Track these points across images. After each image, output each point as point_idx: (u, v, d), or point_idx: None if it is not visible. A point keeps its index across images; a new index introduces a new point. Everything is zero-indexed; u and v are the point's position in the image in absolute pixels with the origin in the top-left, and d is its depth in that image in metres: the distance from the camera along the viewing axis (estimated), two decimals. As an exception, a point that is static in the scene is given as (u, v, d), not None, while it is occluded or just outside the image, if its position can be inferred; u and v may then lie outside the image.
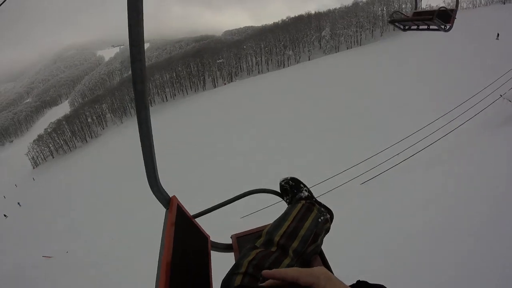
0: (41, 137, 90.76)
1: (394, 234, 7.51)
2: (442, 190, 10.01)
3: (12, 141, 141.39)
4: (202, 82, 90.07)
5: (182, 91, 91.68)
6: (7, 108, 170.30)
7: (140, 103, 1.13)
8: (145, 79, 1.08)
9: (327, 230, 1.59)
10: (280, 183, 1.86)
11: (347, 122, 34.64)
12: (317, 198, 1.76)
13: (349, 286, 0.67)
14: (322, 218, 1.52)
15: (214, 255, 1.91)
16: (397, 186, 14.85)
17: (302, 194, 1.72)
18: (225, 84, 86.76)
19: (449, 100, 24.70)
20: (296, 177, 1.85)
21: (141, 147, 1.24)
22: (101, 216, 35.52)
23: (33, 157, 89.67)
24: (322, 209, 1.60)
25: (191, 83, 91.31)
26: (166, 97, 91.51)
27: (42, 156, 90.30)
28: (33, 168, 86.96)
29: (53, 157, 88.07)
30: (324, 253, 1.59)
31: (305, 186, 1.80)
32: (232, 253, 1.93)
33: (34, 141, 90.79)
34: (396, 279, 4.95)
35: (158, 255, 1.21)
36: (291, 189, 1.79)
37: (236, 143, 41.27)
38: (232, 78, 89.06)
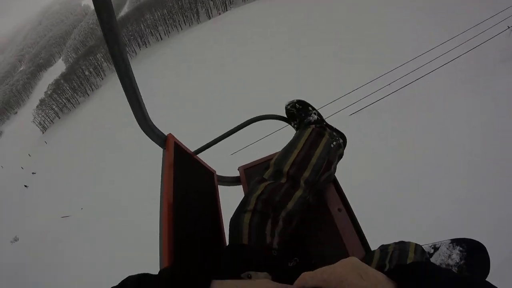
0: (43, 101, 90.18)
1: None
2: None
3: (16, 112, 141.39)
4: (196, 14, 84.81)
5: (176, 27, 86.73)
6: (3, 81, 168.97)
7: (111, 37, 0.96)
8: (111, 7, 0.91)
9: (340, 156, 1.48)
10: (286, 107, 1.69)
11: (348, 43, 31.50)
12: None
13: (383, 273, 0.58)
14: (334, 143, 1.40)
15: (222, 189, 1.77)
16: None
17: (311, 118, 1.58)
18: (219, 14, 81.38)
19: (450, 28, 21.54)
20: (303, 99, 1.68)
21: (122, 88, 1.10)
22: (109, 165, 35.67)
23: (40, 122, 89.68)
24: (334, 133, 1.47)
25: (184, 17, 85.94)
26: (160, 36, 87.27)
27: (48, 119, 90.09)
28: (42, 133, 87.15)
29: (59, 118, 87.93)
30: (338, 180, 1.49)
31: (313, 109, 1.65)
32: (241, 186, 1.84)
33: (37, 106, 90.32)
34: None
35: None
36: (298, 113, 1.64)
37: (234, 71, 39.42)
38: (226, 7, 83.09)
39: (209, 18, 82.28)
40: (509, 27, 15.24)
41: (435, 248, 1.18)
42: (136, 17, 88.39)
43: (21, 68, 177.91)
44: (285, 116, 1.73)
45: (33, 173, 57.42)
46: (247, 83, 33.32)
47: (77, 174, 42.15)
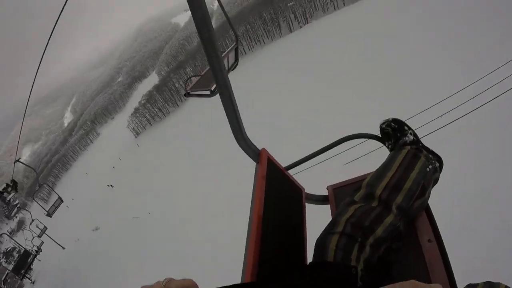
0: (137, 110, 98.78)
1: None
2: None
3: (113, 118, 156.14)
4: (278, 28, 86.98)
5: (259, 41, 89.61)
6: (103, 90, 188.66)
7: (210, 50, 1.04)
8: (210, 24, 1.00)
9: (436, 181, 1.38)
10: (381, 126, 1.61)
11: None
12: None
13: None
14: (430, 167, 1.31)
15: (310, 208, 1.78)
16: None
17: (406, 138, 1.50)
18: (300, 27, 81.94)
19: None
20: (399, 118, 1.58)
21: (220, 99, 1.16)
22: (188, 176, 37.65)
23: (133, 128, 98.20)
24: (430, 155, 1.39)
25: (266, 32, 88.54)
26: (244, 51, 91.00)
27: (141, 126, 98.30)
28: (135, 137, 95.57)
29: (151, 125, 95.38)
30: (431, 208, 1.38)
31: (410, 128, 1.54)
32: (328, 206, 1.84)
33: (131, 114, 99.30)
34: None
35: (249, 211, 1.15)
36: (393, 132, 1.56)
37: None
38: (307, 20, 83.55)
39: (290, 31, 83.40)
40: None
41: None
42: (221, 33, 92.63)
43: (119, 79, 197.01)
44: (379, 135, 1.68)
45: (111, 185, 62.82)
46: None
47: (158, 179, 45.94)
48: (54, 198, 19.21)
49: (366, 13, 51.78)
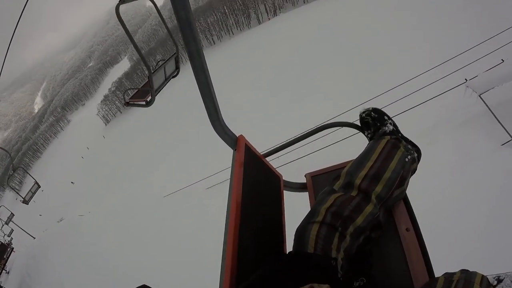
0: (107, 97, 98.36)
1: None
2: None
3: (84, 104, 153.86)
4: (247, 19, 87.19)
5: (228, 31, 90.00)
6: (74, 75, 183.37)
7: (188, 33, 1.00)
8: (188, 5, 0.95)
9: (414, 171, 1.40)
10: (360, 115, 1.61)
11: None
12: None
13: None
14: (409, 157, 1.33)
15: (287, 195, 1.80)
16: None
17: (386, 128, 1.50)
18: (269, 19, 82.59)
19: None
20: (378, 108, 1.60)
21: (197, 85, 1.14)
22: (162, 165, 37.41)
23: (103, 115, 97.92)
24: (409, 146, 1.40)
25: (236, 23, 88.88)
26: (213, 40, 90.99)
27: (111, 113, 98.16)
28: (105, 125, 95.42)
29: (120, 112, 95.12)
30: (409, 197, 1.40)
31: (389, 118, 1.56)
32: (307, 193, 1.82)
33: (101, 101, 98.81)
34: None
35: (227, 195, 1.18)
36: (373, 122, 1.55)
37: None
38: (276, 12, 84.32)
39: (259, 23, 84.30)
40: (466, 80, 10.56)
41: (499, 280, 1.07)
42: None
43: (90, 64, 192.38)
44: (359, 124, 1.67)
45: (72, 182, 63.35)
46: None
47: (121, 172, 46.30)
48: (25, 187, 18.70)
49: (337, 5, 52.21)
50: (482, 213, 7.95)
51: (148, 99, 7.10)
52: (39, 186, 17.82)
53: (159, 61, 7.50)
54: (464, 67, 13.52)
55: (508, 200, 7.78)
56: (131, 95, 7.75)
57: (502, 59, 10.24)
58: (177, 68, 7.79)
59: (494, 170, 8.95)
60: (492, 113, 9.69)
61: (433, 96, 12.58)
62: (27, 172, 18.40)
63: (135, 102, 7.60)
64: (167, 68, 7.47)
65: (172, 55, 7.64)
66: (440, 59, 16.71)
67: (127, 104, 7.75)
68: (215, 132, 1.37)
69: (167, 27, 6.45)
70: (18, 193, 19.12)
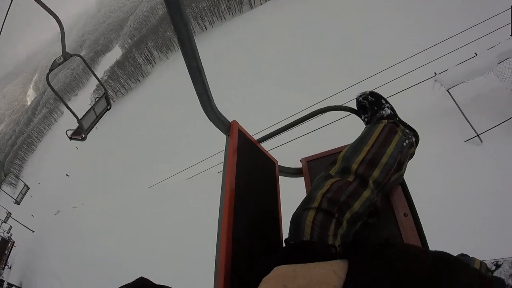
0: (99, 86, 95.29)
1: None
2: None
3: (76, 94, 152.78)
4: (239, 4, 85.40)
5: (220, 17, 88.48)
6: (66, 65, 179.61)
7: (177, 18, 0.96)
8: None
9: (411, 156, 1.39)
10: (357, 99, 1.59)
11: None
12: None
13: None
14: (407, 141, 1.30)
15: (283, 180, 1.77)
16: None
17: (383, 112, 1.47)
18: (261, 4, 79.63)
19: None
20: (376, 91, 1.56)
21: (187, 71, 1.11)
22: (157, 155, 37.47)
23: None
24: (407, 130, 1.38)
25: (228, 8, 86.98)
26: (205, 26, 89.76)
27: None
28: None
29: (113, 101, 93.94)
30: (406, 182, 1.38)
31: (387, 102, 1.52)
32: (302, 178, 1.79)
33: (94, 91, 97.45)
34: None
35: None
36: (370, 105, 1.52)
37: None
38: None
39: (251, 8, 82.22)
40: (436, 74, 10.36)
41: (497, 265, 1.11)
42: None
43: (82, 53, 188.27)
44: (355, 108, 1.64)
45: (66, 174, 62.95)
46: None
47: (113, 163, 45.74)
48: (21, 184, 19.51)
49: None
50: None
51: (82, 136, 9.57)
52: (28, 188, 19.12)
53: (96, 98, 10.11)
54: (435, 60, 13.55)
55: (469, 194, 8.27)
56: (72, 132, 10.06)
57: (475, 53, 10.06)
58: (109, 104, 10.08)
59: (457, 166, 9.14)
60: (459, 108, 9.77)
61: (402, 89, 12.15)
62: (18, 177, 19.60)
63: (75, 138, 9.95)
64: (97, 108, 9.54)
65: (102, 96, 9.75)
66: (411, 51, 16.58)
67: (71, 139, 10.26)
68: (207, 118, 1.34)
69: (94, 74, 9.86)
70: (11, 196, 19.90)
